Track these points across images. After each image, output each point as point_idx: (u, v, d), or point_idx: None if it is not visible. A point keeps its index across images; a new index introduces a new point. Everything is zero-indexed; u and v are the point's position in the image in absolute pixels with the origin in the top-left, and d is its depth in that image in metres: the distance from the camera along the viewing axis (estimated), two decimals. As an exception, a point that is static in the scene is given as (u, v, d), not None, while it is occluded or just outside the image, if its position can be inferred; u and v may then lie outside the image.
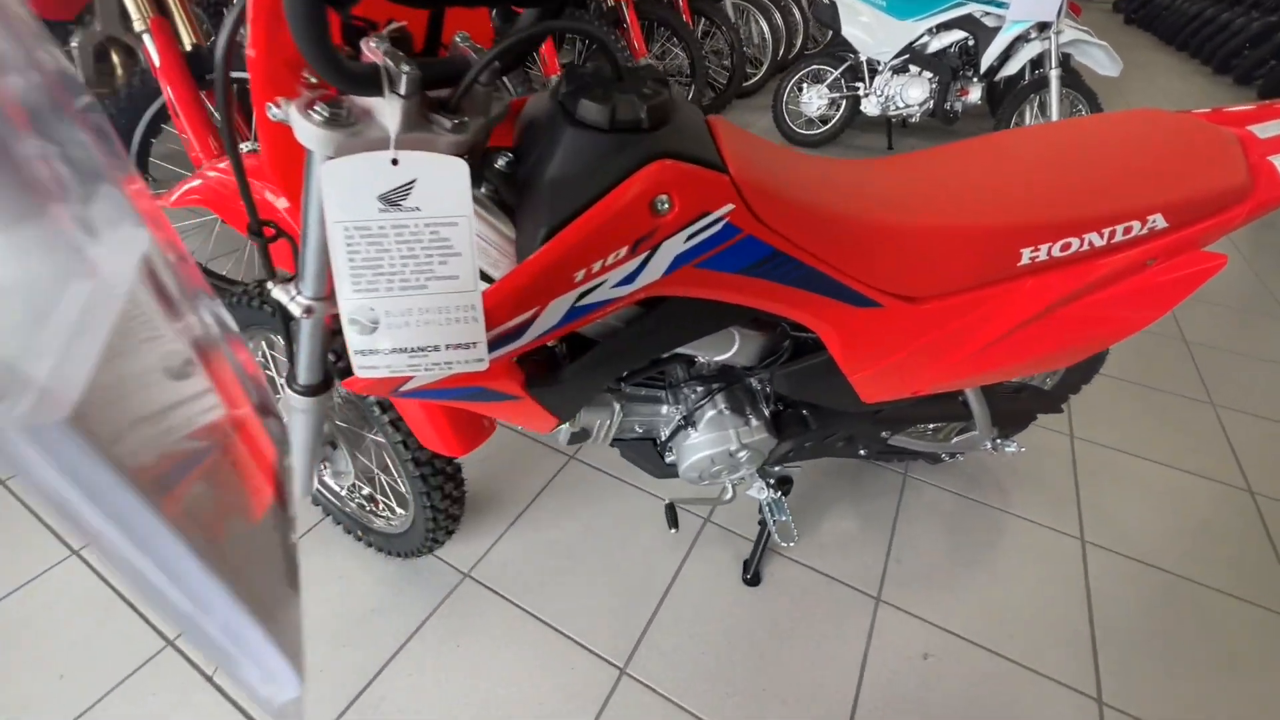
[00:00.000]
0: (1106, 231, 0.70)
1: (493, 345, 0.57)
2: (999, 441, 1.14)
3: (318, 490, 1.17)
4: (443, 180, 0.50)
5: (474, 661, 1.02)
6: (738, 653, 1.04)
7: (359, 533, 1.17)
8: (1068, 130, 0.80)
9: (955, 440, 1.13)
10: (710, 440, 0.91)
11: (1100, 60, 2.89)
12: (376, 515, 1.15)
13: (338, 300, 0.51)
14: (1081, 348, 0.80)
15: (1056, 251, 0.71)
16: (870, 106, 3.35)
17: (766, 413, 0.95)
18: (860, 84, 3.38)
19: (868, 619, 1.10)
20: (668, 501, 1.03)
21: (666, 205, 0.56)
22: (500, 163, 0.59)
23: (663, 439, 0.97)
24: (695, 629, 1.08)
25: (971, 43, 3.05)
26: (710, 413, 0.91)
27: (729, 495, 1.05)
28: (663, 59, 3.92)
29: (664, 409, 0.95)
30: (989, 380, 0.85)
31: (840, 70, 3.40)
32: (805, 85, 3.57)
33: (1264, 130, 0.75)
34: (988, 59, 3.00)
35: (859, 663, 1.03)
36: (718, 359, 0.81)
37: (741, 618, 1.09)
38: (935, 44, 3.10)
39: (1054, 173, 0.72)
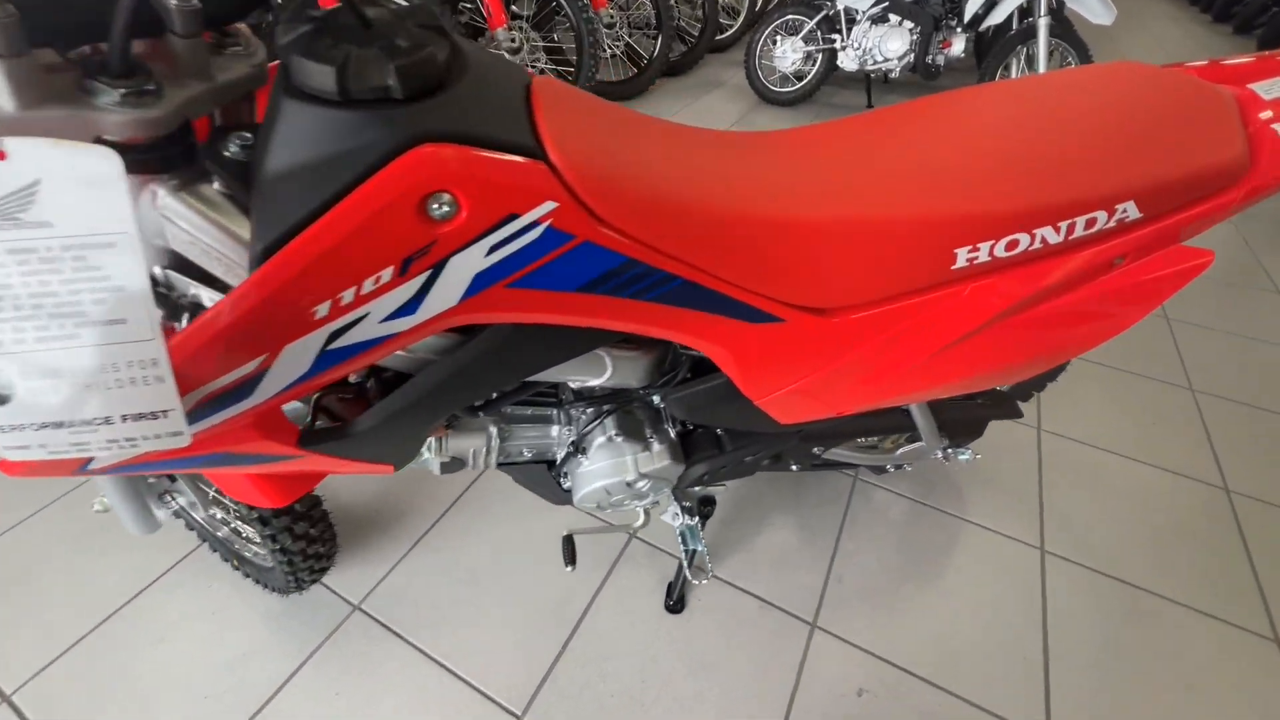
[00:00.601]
0: (1064, 225, 0.55)
1: (205, 409, 0.42)
2: (950, 451, 1.01)
3: (188, 516, 1.03)
4: (83, 182, 0.34)
5: (353, 713, 0.91)
6: (650, 693, 0.93)
7: (234, 561, 1.04)
8: (1023, 93, 0.63)
9: (900, 452, 1.01)
10: (603, 469, 0.78)
11: (1092, 7, 2.66)
12: (244, 544, 1.01)
13: None
14: (1036, 362, 0.66)
15: (1001, 251, 0.56)
16: (847, 60, 3.12)
17: (672, 434, 0.81)
18: (837, 36, 3.13)
19: (800, 649, 0.99)
20: (565, 534, 0.90)
21: (447, 208, 0.41)
22: (232, 149, 0.43)
23: (557, 463, 0.83)
24: (607, 666, 0.96)
25: (955, -11, 2.81)
26: (600, 439, 0.76)
27: (640, 522, 0.92)
28: (627, 9, 3.63)
29: (554, 429, 0.81)
30: (929, 398, 0.71)
31: (815, 20, 3.15)
32: (779, 38, 3.32)
33: (1270, 89, 0.60)
34: (972, 7, 2.76)
35: (786, 702, 0.93)
36: (591, 383, 0.66)
37: (660, 651, 0.98)
38: (917, -10, 2.86)
39: (1001, 149, 0.56)
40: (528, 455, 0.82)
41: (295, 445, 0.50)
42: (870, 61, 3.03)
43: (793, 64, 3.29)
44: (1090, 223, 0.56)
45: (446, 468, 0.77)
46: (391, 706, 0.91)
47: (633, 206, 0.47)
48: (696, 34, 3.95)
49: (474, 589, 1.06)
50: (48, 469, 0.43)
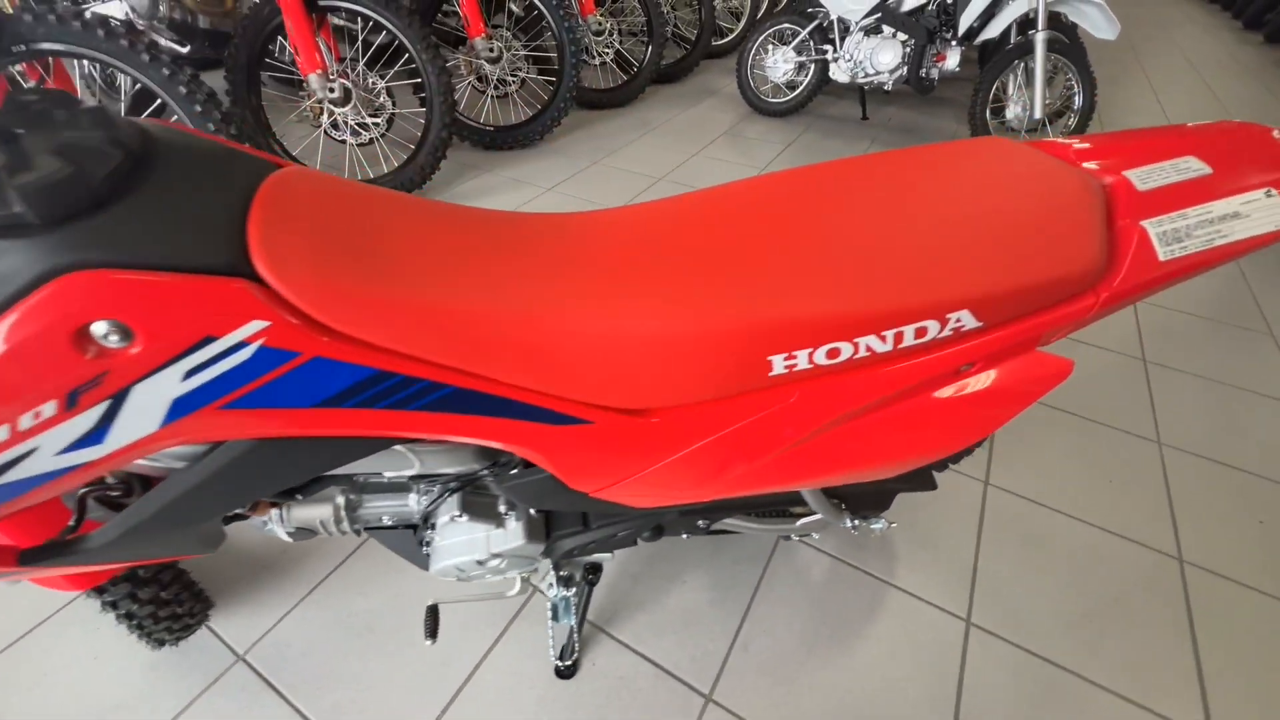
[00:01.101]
0: (890, 335, 0.49)
1: None
2: (858, 522, 0.95)
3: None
4: None
5: (214, 775, 0.88)
6: (524, 770, 0.89)
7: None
8: (861, 175, 0.57)
9: (801, 523, 0.95)
10: (453, 547, 0.73)
11: (1094, 20, 2.54)
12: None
13: None
14: (892, 465, 0.60)
15: (823, 359, 0.50)
16: (839, 72, 3.02)
17: (531, 511, 0.76)
18: (829, 46, 3.04)
19: (690, 725, 0.94)
20: (431, 604, 0.86)
21: (117, 336, 0.36)
22: None
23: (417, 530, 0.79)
24: (485, 735, 0.93)
25: (951, 0, 2.70)
26: (444, 519, 0.72)
27: (515, 590, 0.87)
28: (619, 15, 3.57)
29: (411, 497, 0.77)
30: (787, 489, 0.66)
31: (808, 30, 3.06)
32: (771, 47, 3.23)
33: (1147, 178, 0.53)
34: (967, 19, 2.65)
35: (664, 785, 0.88)
36: (406, 474, 0.62)
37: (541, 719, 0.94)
38: (911, 1, 2.75)
39: (823, 247, 0.51)
40: (388, 521, 0.78)
41: (14, 563, 0.47)
42: (861, 74, 2.94)
43: (784, 74, 3.20)
44: (921, 332, 0.50)
45: (297, 536, 0.74)
46: (252, 772, 0.88)
47: (379, 315, 0.43)
48: (694, 39, 3.88)
49: (364, 643, 1.03)
50: None
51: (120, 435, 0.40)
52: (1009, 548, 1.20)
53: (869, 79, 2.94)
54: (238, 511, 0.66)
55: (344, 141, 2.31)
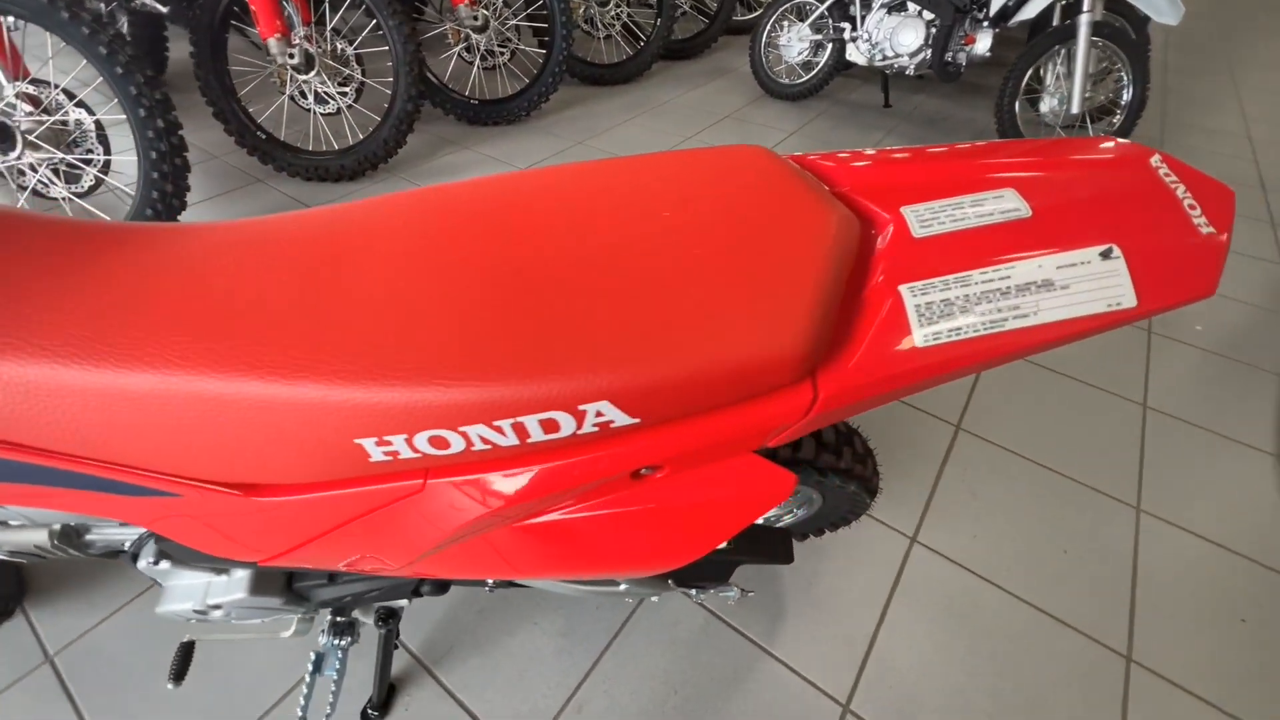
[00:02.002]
0: (507, 426, 0.35)
1: None
2: (695, 593, 0.81)
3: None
4: None
5: (-20, 789, 0.83)
6: (293, 827, 0.81)
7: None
8: (541, 192, 0.42)
9: (624, 587, 0.82)
10: (171, 591, 0.64)
11: (1156, 4, 2.20)
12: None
13: None
14: (590, 572, 0.46)
15: (428, 448, 0.37)
16: (856, 53, 2.75)
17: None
18: (849, 24, 2.77)
19: (491, 796, 0.84)
20: (185, 639, 0.78)
21: None
22: None
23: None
24: (268, 778, 0.85)
25: (985, -25, 2.39)
26: (145, 560, 0.62)
27: (290, 631, 0.78)
28: (627, -16, 3.36)
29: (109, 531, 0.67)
30: (490, 576, 0.53)
31: (826, 5, 2.79)
32: (788, 23, 2.97)
33: (932, 217, 0.36)
34: (1001, -3, 2.35)
35: None
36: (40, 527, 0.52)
37: (332, 770, 0.85)
38: (941, -26, 2.45)
39: (436, 295, 0.36)
40: (100, 549, 0.68)
41: None
42: (880, 56, 2.66)
43: (799, 54, 2.95)
44: (551, 425, 0.35)
45: (18, 557, 0.66)
46: (14, 791, 0.83)
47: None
48: (714, 11, 3.63)
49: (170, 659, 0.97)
50: None
51: None
52: (921, 622, 1.03)
53: (888, 61, 2.66)
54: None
55: (309, 110, 2.24)
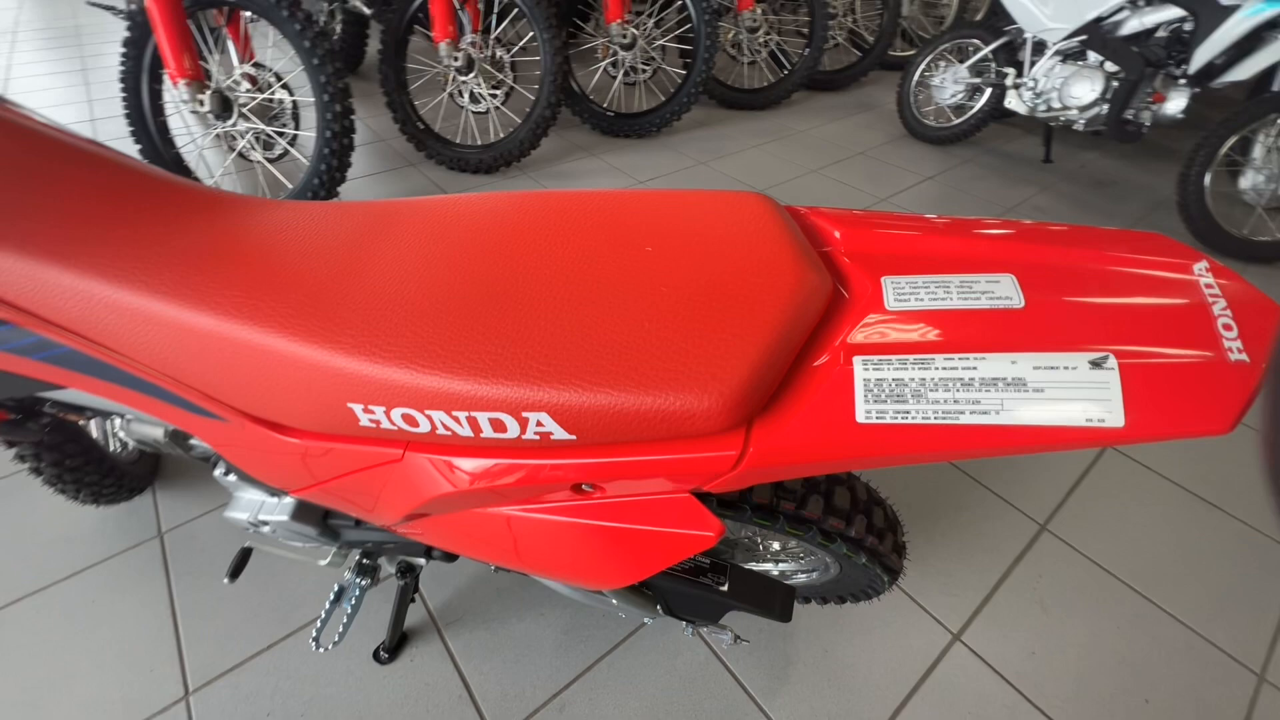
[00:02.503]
0: (464, 418, 0.38)
1: None
2: (692, 628, 0.80)
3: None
4: None
5: (68, 647, 1.03)
6: (297, 733, 0.91)
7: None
8: (558, 213, 0.44)
9: (616, 602, 0.82)
10: (235, 500, 0.76)
11: None
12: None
13: None
14: (535, 569, 0.48)
15: (401, 422, 0.41)
16: (1016, 101, 2.53)
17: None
18: (1013, 70, 2.55)
19: (463, 762, 0.88)
20: (245, 546, 0.90)
21: None
22: None
23: None
24: (278, 692, 0.96)
25: (1189, 27, 2.10)
26: (218, 471, 0.74)
27: (324, 561, 0.88)
28: (782, 13, 3.36)
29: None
30: (471, 554, 0.56)
31: (992, 47, 2.60)
32: (944, 62, 2.81)
33: (912, 292, 0.33)
34: (1207, 53, 2.04)
35: (404, 811, 0.84)
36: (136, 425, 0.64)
37: (333, 696, 0.95)
38: (1134, 23, 2.19)
39: (439, 290, 0.40)
40: (198, 453, 0.81)
41: None
42: (1045, 106, 2.43)
43: (953, 96, 2.77)
44: (499, 425, 0.37)
45: (150, 449, 0.82)
46: (116, 651, 1.01)
47: (2, 267, 0.44)
48: (870, 45, 3.52)
49: (255, 562, 1.12)
50: None
51: None
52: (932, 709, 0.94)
53: (1054, 114, 2.42)
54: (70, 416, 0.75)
55: (463, 108, 2.49)
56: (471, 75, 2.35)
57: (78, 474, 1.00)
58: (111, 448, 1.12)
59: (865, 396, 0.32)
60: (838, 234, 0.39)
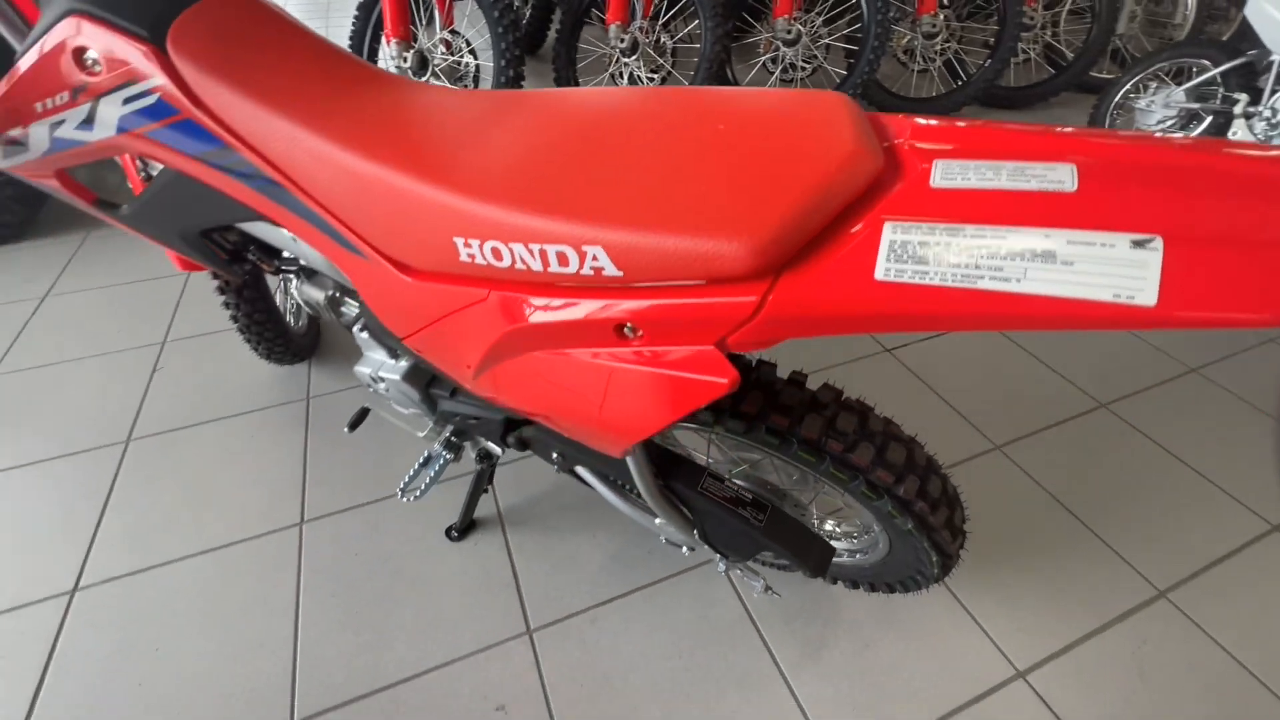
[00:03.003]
0: (536, 250, 0.43)
1: (10, 152, 0.70)
2: (727, 564, 0.81)
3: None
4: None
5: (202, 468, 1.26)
6: (373, 586, 1.06)
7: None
8: (670, 102, 0.48)
9: (658, 521, 0.84)
10: (364, 358, 0.90)
11: None
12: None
13: None
14: (557, 415, 0.52)
15: (489, 256, 0.47)
16: (1244, 132, 2.15)
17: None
18: (1246, 95, 2.17)
19: (505, 645, 0.97)
20: (364, 406, 1.05)
21: (95, 64, 0.59)
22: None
23: None
24: (353, 553, 1.12)
25: None
26: (356, 328, 0.88)
27: (422, 432, 1.01)
28: (964, 19, 3.14)
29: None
30: (515, 409, 0.64)
31: (1222, 69, 2.23)
32: (1154, 84, 2.46)
33: (960, 174, 0.32)
34: None
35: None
36: (300, 261, 0.79)
37: (403, 556, 1.08)
38: None
39: (548, 149, 0.46)
40: (347, 320, 0.97)
41: (91, 204, 0.78)
42: (1280, 140, 2.04)
43: (1160, 122, 2.43)
44: (563, 258, 0.42)
45: (310, 309, 1.00)
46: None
47: (234, 103, 0.58)
48: (1068, 62, 3.17)
49: (375, 431, 1.31)
50: None
51: (99, 130, 0.64)
52: None
53: (1291, 150, 2.03)
54: (259, 266, 0.93)
55: (621, 88, 2.64)
56: (634, 58, 2.49)
57: (261, 329, 1.24)
58: (287, 317, 1.37)
59: (887, 256, 0.33)
60: (909, 131, 0.39)
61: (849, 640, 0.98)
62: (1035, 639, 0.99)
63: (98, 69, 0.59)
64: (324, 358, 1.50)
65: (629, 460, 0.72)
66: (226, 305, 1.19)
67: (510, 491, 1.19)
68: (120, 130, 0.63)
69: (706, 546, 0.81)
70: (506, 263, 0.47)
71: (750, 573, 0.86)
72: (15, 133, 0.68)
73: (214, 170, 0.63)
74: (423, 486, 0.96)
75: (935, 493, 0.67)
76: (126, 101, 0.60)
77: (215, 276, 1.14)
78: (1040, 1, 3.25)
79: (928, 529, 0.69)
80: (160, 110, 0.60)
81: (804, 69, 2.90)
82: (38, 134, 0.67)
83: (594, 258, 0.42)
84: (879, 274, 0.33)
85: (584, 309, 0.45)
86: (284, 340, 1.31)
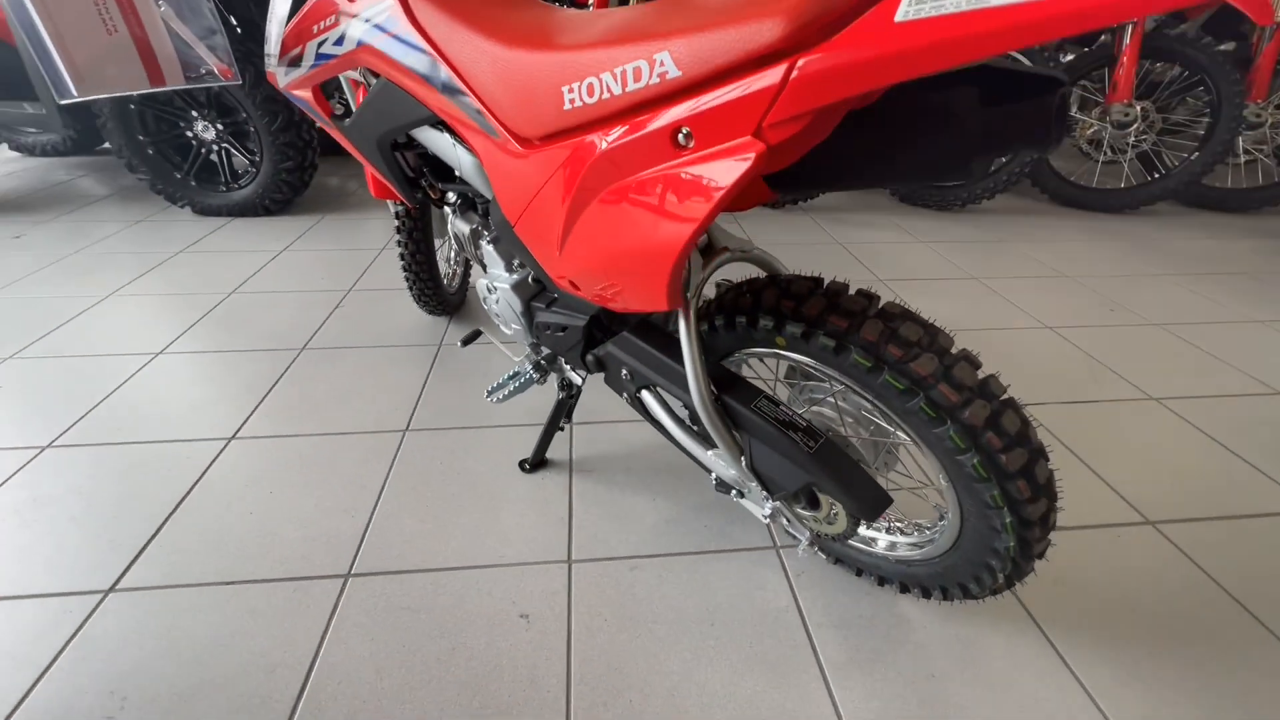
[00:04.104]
0: (619, 72, 0.50)
1: (295, 63, 0.96)
2: (773, 506, 0.76)
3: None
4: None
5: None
6: (444, 493, 1.14)
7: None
8: None
9: (711, 453, 0.81)
10: (488, 273, 1.04)
11: None
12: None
13: None
14: (621, 249, 0.57)
15: (585, 95, 0.55)
16: None
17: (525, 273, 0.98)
18: None
19: (561, 585, 0.99)
20: (478, 329, 1.17)
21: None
22: None
23: None
24: (430, 468, 1.22)
25: None
26: (484, 241, 1.02)
27: (519, 358, 1.11)
28: (1165, 110, 2.87)
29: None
30: (588, 284, 0.69)
31: None
32: None
33: None
34: None
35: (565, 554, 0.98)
36: (460, 175, 0.95)
37: (457, 474, 1.16)
38: None
39: (639, 12, 0.54)
40: (481, 253, 1.14)
41: (328, 117, 1.03)
42: None
43: None
44: (637, 73, 0.48)
45: (457, 242, 1.20)
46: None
47: (438, 21, 0.77)
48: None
49: (479, 387, 1.46)
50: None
51: (346, 44, 0.86)
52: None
53: None
54: (426, 195, 1.14)
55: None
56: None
57: (420, 269, 1.48)
58: (444, 276, 1.60)
59: (908, 3, 0.35)
60: None
61: (911, 663, 0.84)
62: (1152, 711, 0.77)
63: (352, 1, 0.82)
64: (462, 320, 1.72)
65: (683, 344, 0.73)
66: (399, 244, 1.44)
67: (584, 446, 1.24)
68: (359, 44, 0.85)
69: (755, 482, 0.78)
70: (597, 96, 0.56)
71: (798, 524, 0.79)
72: (295, 51, 0.95)
73: (413, 75, 0.81)
74: (505, 393, 1.05)
75: (1011, 429, 0.59)
76: (367, 20, 0.82)
77: (396, 216, 1.41)
78: (1274, 101, 2.90)
79: (1000, 476, 0.60)
80: (388, 25, 0.80)
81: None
82: (309, 52, 0.93)
83: (660, 63, 0.48)
84: (899, 16, 0.35)
85: (648, 125, 0.52)
86: (435, 288, 1.54)
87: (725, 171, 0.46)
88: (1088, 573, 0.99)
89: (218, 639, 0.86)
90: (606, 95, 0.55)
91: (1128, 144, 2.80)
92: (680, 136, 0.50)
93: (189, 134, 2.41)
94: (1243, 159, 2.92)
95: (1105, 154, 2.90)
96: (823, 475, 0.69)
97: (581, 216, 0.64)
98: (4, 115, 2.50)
